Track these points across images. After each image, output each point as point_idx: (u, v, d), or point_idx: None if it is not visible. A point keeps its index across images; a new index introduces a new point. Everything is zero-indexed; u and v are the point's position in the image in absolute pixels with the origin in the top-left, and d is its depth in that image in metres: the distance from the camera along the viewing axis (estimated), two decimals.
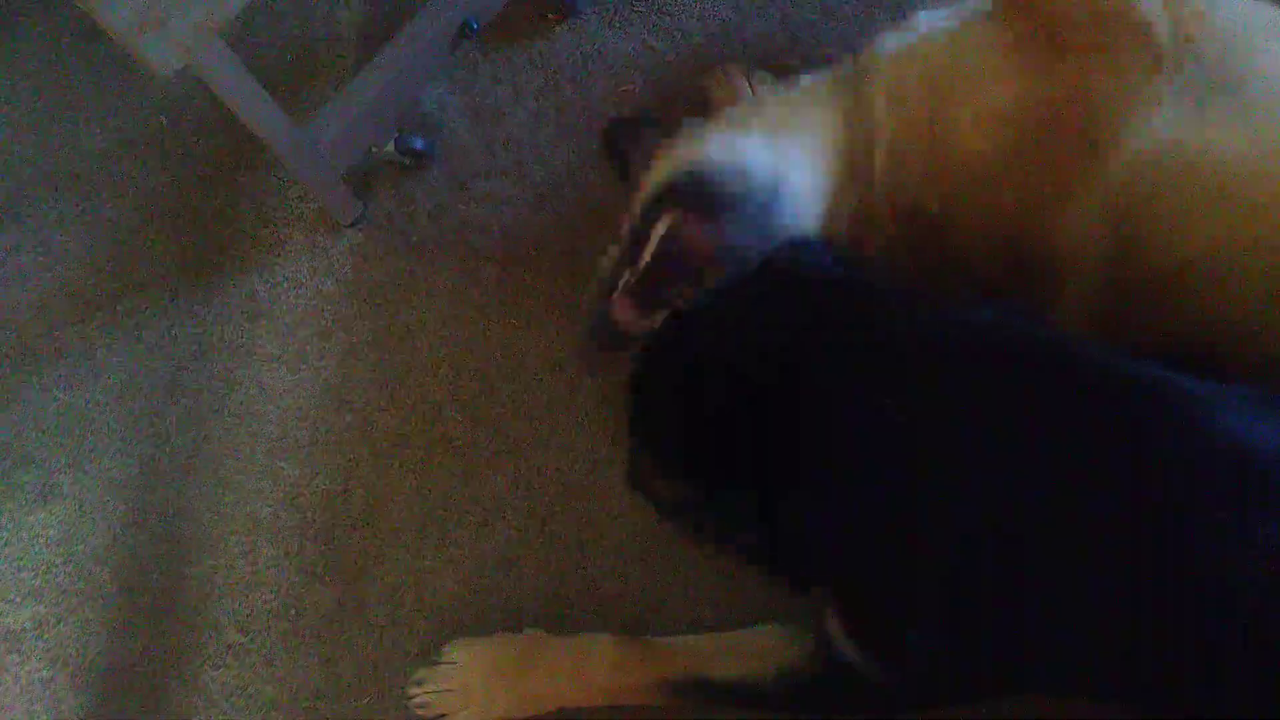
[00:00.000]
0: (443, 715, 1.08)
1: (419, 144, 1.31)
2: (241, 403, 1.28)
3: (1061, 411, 0.78)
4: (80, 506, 1.27)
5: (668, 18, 1.36)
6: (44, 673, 1.20)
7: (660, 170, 0.95)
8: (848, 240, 0.94)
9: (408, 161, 1.32)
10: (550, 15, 1.37)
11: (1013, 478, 0.77)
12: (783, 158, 0.92)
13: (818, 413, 0.80)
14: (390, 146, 1.30)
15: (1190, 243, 0.87)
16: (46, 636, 1.22)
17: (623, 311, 0.91)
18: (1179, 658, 0.77)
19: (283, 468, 1.25)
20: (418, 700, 1.10)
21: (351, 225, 1.32)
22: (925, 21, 0.97)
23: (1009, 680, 0.88)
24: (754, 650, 1.01)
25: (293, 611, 1.20)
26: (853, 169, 0.94)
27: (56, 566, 1.25)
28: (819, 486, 0.80)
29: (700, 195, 0.89)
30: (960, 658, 0.84)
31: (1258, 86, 0.88)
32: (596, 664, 1.05)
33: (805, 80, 1.01)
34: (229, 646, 1.19)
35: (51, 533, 1.26)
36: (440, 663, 1.11)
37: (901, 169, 0.93)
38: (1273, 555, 0.73)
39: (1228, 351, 0.89)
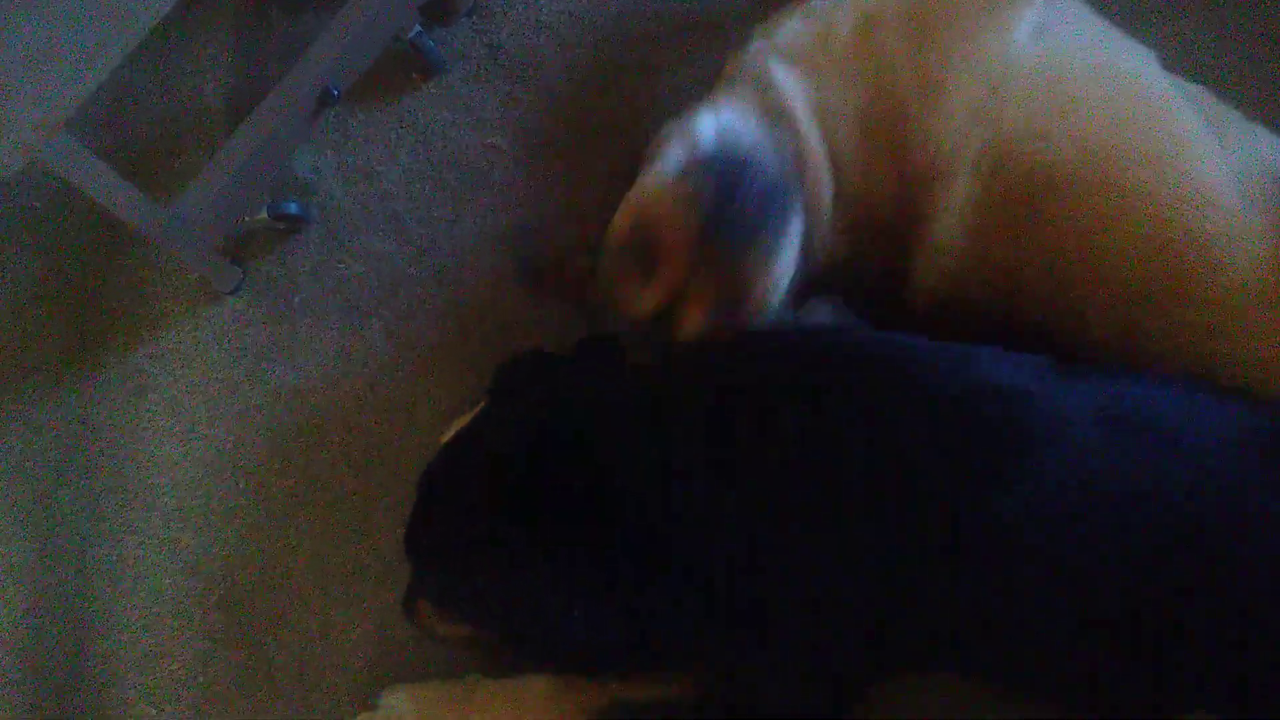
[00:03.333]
0: None
1: (293, 208, 1.32)
2: (134, 478, 1.29)
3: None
4: None
5: (530, 69, 1.38)
6: None
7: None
8: None
9: (282, 226, 1.33)
10: (415, 75, 1.39)
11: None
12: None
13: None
14: (264, 213, 1.31)
15: (1052, 148, 1.00)
16: None
17: None
18: (945, 607, 0.88)
19: (180, 539, 1.26)
20: None
21: (232, 293, 1.33)
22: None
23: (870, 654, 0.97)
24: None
25: (200, 679, 1.21)
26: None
27: None
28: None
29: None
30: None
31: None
32: (532, 702, 1.08)
33: None
34: None
35: None
36: (379, 707, 1.12)
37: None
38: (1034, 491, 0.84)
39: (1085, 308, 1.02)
